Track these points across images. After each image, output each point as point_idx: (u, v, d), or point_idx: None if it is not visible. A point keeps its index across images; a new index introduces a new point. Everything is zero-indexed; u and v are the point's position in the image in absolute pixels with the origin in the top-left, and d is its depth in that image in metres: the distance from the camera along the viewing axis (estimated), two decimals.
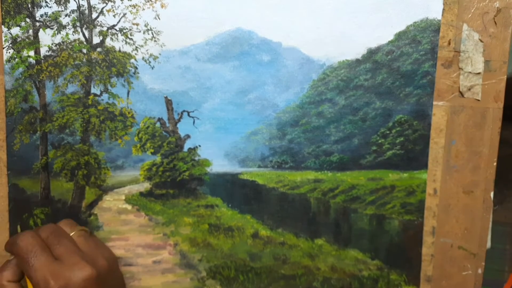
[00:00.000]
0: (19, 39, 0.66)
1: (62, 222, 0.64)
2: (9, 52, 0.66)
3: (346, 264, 0.72)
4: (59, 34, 0.66)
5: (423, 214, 0.70)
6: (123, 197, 0.70)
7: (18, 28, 0.65)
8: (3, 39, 0.65)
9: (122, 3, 0.66)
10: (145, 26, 0.66)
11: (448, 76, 0.67)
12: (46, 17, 0.66)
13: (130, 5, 0.66)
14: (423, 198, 0.70)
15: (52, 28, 0.66)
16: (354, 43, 0.67)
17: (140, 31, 0.66)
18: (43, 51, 0.66)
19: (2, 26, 0.65)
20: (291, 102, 0.69)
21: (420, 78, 0.68)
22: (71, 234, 0.62)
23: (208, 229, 0.71)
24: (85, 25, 0.66)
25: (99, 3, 0.66)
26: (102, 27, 0.66)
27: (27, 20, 0.65)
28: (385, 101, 0.69)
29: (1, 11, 0.65)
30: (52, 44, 0.66)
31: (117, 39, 0.67)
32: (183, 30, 0.66)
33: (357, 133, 0.70)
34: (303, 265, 0.72)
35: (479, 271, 0.70)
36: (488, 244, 0.70)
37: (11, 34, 0.65)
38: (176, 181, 0.71)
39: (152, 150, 0.70)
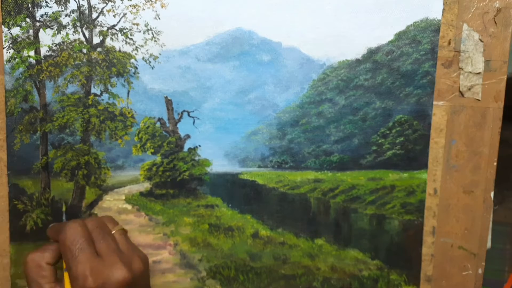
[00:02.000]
0: (19, 39, 0.66)
1: (104, 217, 0.64)
2: (9, 52, 0.66)
3: (346, 264, 0.72)
4: (59, 34, 0.66)
5: (423, 214, 0.70)
6: (123, 197, 0.70)
7: (18, 28, 0.65)
8: (3, 39, 0.65)
9: (122, 3, 0.66)
10: (145, 26, 0.66)
11: (448, 76, 0.67)
12: (46, 17, 0.66)
13: (130, 5, 0.66)
14: (423, 198, 0.70)
15: (52, 28, 0.66)
16: (354, 43, 0.67)
17: (140, 31, 0.66)
18: (43, 51, 0.66)
19: (2, 26, 0.65)
20: (291, 102, 0.69)
21: (420, 78, 0.68)
22: (112, 232, 0.62)
23: (208, 229, 0.71)
24: (85, 25, 0.66)
25: (99, 3, 0.66)
26: (102, 27, 0.66)
27: (27, 20, 0.65)
28: (385, 101, 0.69)
29: (1, 11, 0.65)
30: (52, 44, 0.66)
31: (117, 39, 0.67)
32: (183, 30, 0.66)
33: (357, 133, 0.70)
34: (303, 265, 0.72)
35: (479, 271, 0.70)
36: (488, 244, 0.70)
37: (11, 34, 0.65)
38: (176, 181, 0.71)
39: (152, 150, 0.70)
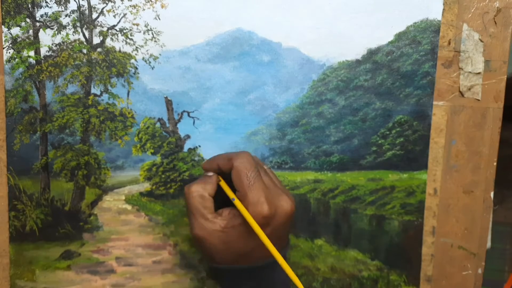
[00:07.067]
0: (19, 39, 0.65)
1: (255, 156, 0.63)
2: (9, 52, 0.66)
3: (346, 265, 0.72)
4: (59, 34, 0.66)
5: (422, 215, 0.70)
6: (123, 197, 0.70)
7: (18, 28, 0.65)
8: (3, 39, 0.65)
9: (122, 3, 0.66)
10: (145, 26, 0.66)
11: (448, 76, 0.67)
12: (46, 17, 0.66)
13: (130, 6, 0.66)
14: (423, 198, 0.70)
15: (52, 28, 0.66)
16: (354, 44, 0.67)
17: (140, 31, 0.66)
18: (43, 51, 0.66)
19: (2, 26, 0.65)
20: (291, 102, 0.69)
21: (420, 78, 0.68)
22: (265, 168, 0.63)
23: None
24: (85, 25, 0.66)
25: (99, 3, 0.66)
26: (102, 27, 0.66)
27: (27, 20, 0.65)
28: (385, 102, 0.69)
29: (1, 11, 0.65)
30: (52, 44, 0.66)
31: (117, 39, 0.67)
32: (183, 30, 0.66)
33: (357, 133, 0.70)
34: (303, 265, 0.72)
35: (479, 271, 0.71)
36: (488, 244, 0.70)
37: (11, 34, 0.65)
38: (176, 181, 0.70)
39: (152, 151, 0.70)
